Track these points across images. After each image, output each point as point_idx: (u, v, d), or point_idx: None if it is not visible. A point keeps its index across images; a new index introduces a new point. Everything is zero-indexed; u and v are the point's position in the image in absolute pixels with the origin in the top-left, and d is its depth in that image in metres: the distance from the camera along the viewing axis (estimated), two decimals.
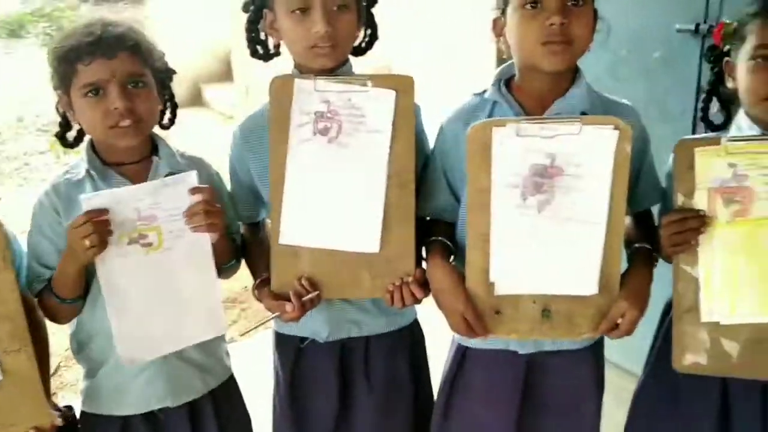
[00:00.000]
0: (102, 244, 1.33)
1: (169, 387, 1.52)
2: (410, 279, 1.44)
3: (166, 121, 1.57)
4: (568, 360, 1.54)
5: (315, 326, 1.60)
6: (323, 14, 1.40)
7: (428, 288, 1.47)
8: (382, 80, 1.44)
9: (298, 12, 1.42)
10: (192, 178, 1.40)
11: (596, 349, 1.58)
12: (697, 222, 1.32)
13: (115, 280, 1.40)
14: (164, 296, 1.43)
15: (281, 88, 1.45)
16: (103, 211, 1.33)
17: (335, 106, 1.44)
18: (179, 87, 1.61)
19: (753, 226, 1.32)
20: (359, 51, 1.57)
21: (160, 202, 1.38)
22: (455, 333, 1.48)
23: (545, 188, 1.36)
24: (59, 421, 1.42)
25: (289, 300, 1.46)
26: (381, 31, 1.59)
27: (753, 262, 1.33)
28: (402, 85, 1.43)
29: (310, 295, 1.47)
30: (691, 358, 1.38)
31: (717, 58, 1.49)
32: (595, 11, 1.39)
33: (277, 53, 1.55)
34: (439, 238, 1.50)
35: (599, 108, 1.43)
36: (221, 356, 1.64)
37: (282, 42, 1.50)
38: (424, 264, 1.51)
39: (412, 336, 1.70)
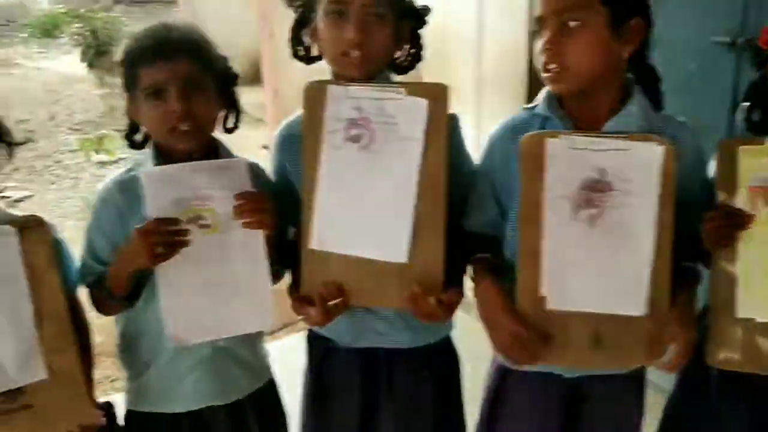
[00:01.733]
0: (169, 253, 1.36)
1: (218, 385, 1.53)
2: (442, 296, 1.41)
3: (230, 125, 1.58)
4: (611, 385, 1.50)
5: (339, 331, 1.60)
6: (357, 20, 1.39)
7: (453, 308, 1.44)
8: (415, 88, 1.43)
9: (334, 15, 1.42)
10: (241, 164, 1.42)
11: (639, 375, 1.54)
12: (738, 219, 1.31)
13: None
14: (216, 280, 1.43)
15: (314, 94, 1.46)
16: (174, 220, 1.36)
17: (367, 113, 1.44)
18: None
19: None
20: (401, 69, 1.56)
21: (214, 182, 1.39)
22: (501, 355, 1.44)
23: (596, 202, 1.35)
24: (103, 420, 1.43)
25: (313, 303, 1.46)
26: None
27: None
28: (435, 94, 1.42)
29: (335, 301, 1.46)
30: (724, 353, 1.36)
31: (762, 62, 1.45)
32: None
33: (320, 57, 1.54)
34: (487, 255, 1.48)
35: (655, 125, 1.39)
36: (263, 356, 1.65)
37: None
38: (468, 283, 1.49)
39: (442, 355, 1.67)
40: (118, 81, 1.54)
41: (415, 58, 1.56)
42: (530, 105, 1.48)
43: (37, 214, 1.39)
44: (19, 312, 1.34)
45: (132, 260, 1.38)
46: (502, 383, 1.58)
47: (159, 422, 1.54)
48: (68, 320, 1.37)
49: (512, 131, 1.46)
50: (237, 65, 1.59)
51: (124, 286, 1.43)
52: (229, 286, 1.44)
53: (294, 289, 1.53)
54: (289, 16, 1.55)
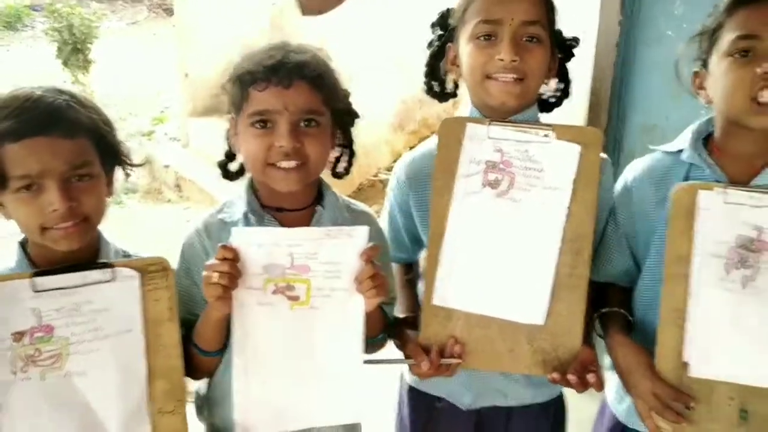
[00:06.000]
0: (227, 289, 1.14)
1: None
2: (592, 373, 1.25)
3: (341, 169, 1.36)
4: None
5: (456, 390, 1.45)
6: (510, 42, 1.24)
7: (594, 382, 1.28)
8: (566, 131, 1.29)
9: (482, 39, 1.27)
10: (362, 234, 1.19)
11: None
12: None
13: (249, 331, 1.20)
14: (300, 362, 1.23)
15: (451, 131, 1.30)
16: (236, 254, 1.14)
17: (509, 156, 1.28)
18: None
19: None
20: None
21: (318, 253, 1.18)
22: (645, 418, 1.27)
23: (750, 263, 1.22)
24: None
25: (428, 353, 1.28)
26: None
27: None
28: (588, 139, 1.29)
29: (451, 360, 1.29)
30: None
31: None
32: None
33: (454, 94, 1.40)
34: (620, 310, 1.35)
35: None
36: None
37: (461, 78, 1.36)
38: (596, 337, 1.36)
39: (556, 410, 1.53)
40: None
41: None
42: (672, 149, 1.34)
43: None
44: (131, 368, 1.14)
45: (209, 307, 1.18)
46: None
47: None
48: (182, 378, 1.18)
49: (654, 178, 1.34)
50: None
51: (210, 338, 1.22)
52: (315, 372, 1.23)
53: (402, 325, 1.37)
54: None
